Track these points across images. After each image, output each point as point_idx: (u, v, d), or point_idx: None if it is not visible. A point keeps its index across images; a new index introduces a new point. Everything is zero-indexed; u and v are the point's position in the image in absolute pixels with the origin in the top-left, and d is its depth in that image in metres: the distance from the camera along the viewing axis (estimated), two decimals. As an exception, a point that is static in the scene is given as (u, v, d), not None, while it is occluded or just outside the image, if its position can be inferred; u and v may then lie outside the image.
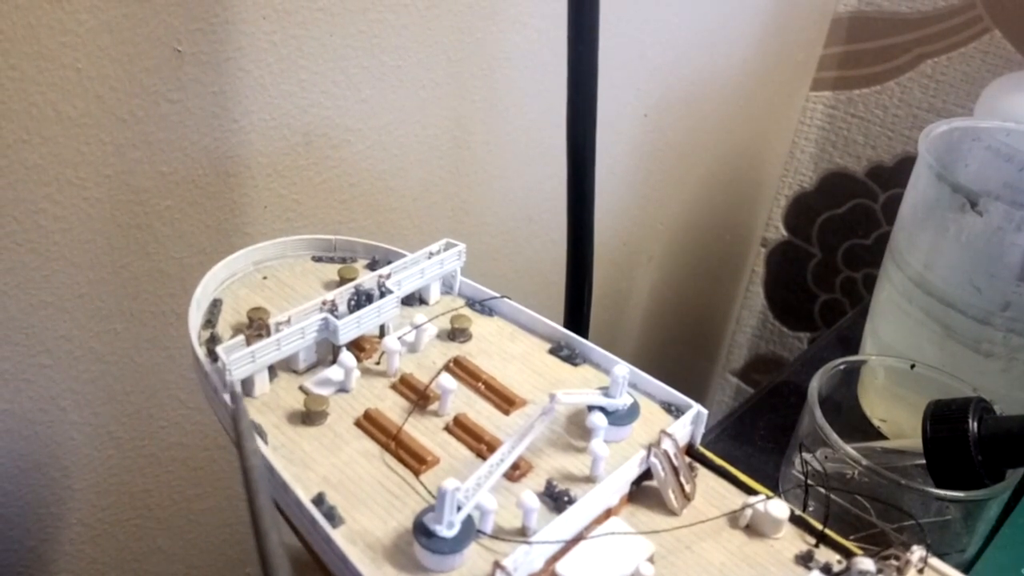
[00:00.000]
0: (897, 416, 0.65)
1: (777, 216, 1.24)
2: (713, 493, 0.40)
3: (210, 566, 0.75)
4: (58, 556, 0.64)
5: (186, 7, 0.51)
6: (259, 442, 0.38)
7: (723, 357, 1.39)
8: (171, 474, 0.68)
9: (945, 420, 0.53)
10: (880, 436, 0.66)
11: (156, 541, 0.70)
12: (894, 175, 1.10)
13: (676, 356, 1.26)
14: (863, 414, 0.67)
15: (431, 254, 0.47)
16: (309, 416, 0.40)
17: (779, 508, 0.38)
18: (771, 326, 1.31)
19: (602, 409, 0.40)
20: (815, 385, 0.57)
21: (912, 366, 0.60)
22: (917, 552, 0.34)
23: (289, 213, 0.64)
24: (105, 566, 0.67)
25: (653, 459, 0.39)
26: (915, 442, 0.55)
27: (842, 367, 0.60)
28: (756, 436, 0.72)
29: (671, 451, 0.39)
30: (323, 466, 0.38)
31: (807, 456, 0.56)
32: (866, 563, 0.33)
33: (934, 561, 0.35)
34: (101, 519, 0.65)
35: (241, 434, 0.34)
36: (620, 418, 0.40)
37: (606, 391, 0.40)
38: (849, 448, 0.53)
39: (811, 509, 0.56)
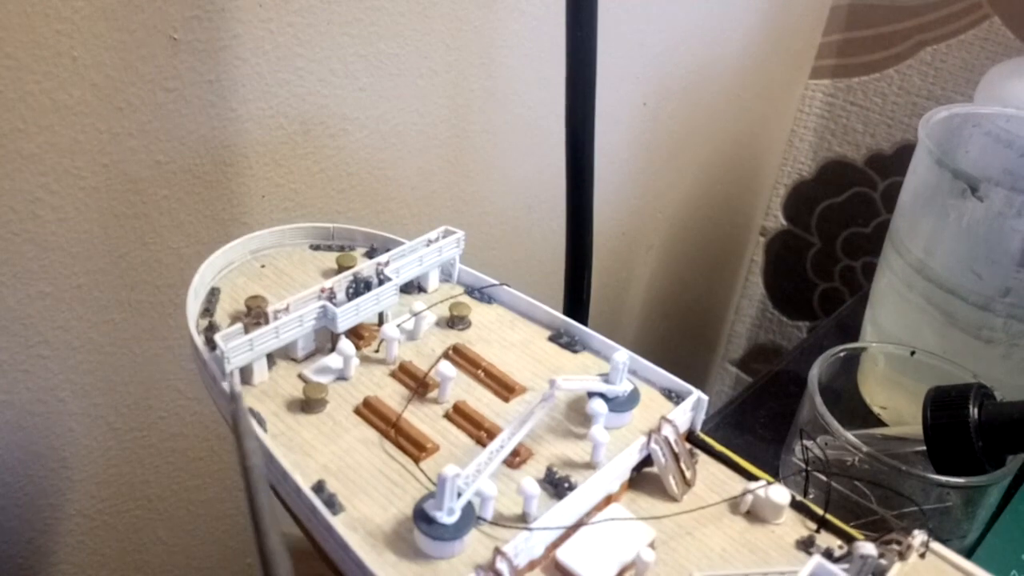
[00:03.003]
0: (897, 403, 0.65)
1: (776, 205, 1.24)
2: (714, 479, 0.40)
3: (210, 556, 0.75)
4: (58, 547, 0.64)
5: (182, -5, 0.51)
6: (258, 430, 0.37)
7: (722, 346, 1.38)
8: (171, 465, 0.67)
9: (945, 406, 0.53)
10: (880, 423, 0.65)
11: (156, 532, 0.70)
12: (893, 163, 1.10)
13: (675, 346, 1.26)
14: (863, 401, 0.67)
15: (429, 241, 0.46)
16: (308, 404, 0.40)
17: (780, 493, 0.38)
18: (770, 315, 1.31)
19: (602, 395, 0.40)
20: (815, 372, 0.57)
21: (912, 353, 0.60)
22: (919, 537, 0.34)
23: (287, 202, 0.64)
24: (105, 557, 0.67)
25: (653, 445, 0.39)
26: (915, 429, 0.55)
27: (842, 354, 0.60)
28: (756, 424, 0.72)
29: (671, 437, 0.39)
30: (323, 454, 0.38)
31: (808, 442, 0.56)
32: (868, 547, 0.33)
33: (936, 545, 0.35)
34: (101, 510, 0.65)
35: (241, 434, 0.34)
36: (620, 404, 0.40)
37: (606, 378, 0.40)
38: (849, 435, 0.53)
39: (811, 496, 0.56)
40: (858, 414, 0.66)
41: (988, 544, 0.57)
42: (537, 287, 0.89)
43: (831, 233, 1.20)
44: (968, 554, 0.56)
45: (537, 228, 0.87)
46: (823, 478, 0.51)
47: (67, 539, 0.64)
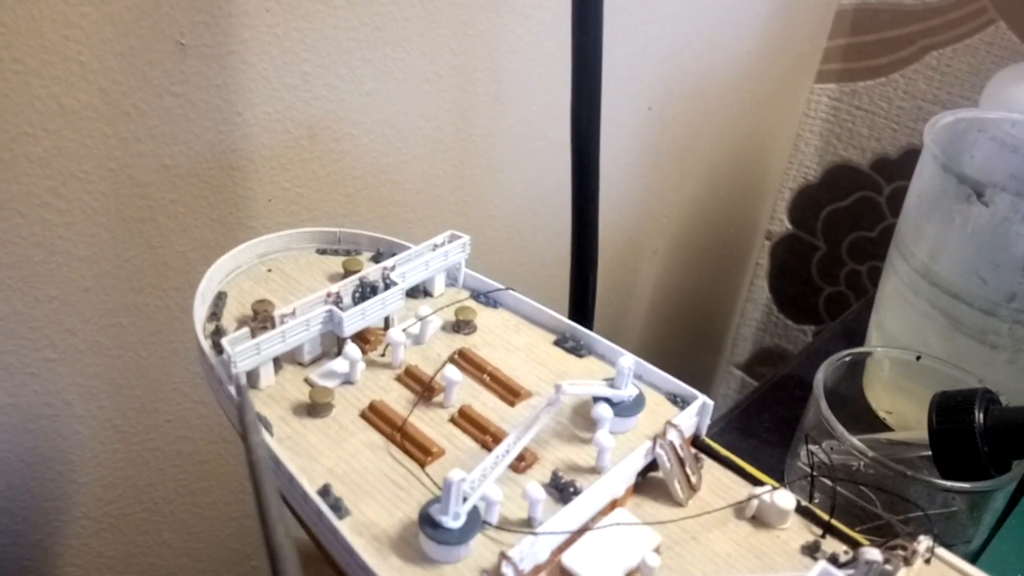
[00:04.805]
0: (903, 408, 0.65)
1: (781, 209, 1.24)
2: (719, 484, 0.40)
3: (215, 559, 0.75)
4: (64, 550, 0.64)
5: (189, 0, 0.51)
6: (264, 434, 0.38)
7: (727, 350, 1.38)
8: (177, 468, 0.68)
9: (951, 411, 0.53)
10: (885, 428, 0.65)
11: (162, 535, 0.70)
12: (899, 167, 1.10)
13: (680, 349, 1.26)
14: (868, 406, 0.67)
15: (435, 246, 0.46)
16: (314, 408, 0.40)
17: (785, 499, 0.38)
18: (775, 319, 1.31)
19: (607, 400, 0.40)
20: (821, 377, 0.57)
21: (918, 358, 0.60)
22: (924, 542, 0.34)
23: (293, 206, 0.64)
24: (111, 560, 0.67)
25: (659, 450, 0.39)
26: (921, 434, 0.55)
27: (848, 359, 0.60)
28: (761, 429, 0.71)
29: (676, 442, 0.39)
30: (329, 458, 0.38)
31: (813, 447, 0.56)
32: (873, 553, 0.33)
33: (941, 551, 0.35)
34: (107, 513, 0.65)
35: (247, 427, 0.34)
36: (626, 409, 0.40)
37: (611, 382, 0.40)
38: (855, 439, 0.53)
39: (816, 501, 0.56)
40: (864, 419, 0.66)
41: (994, 549, 0.57)
42: (542, 291, 0.89)
43: (836, 237, 1.20)
44: (973, 559, 0.56)
45: (542, 232, 0.87)
46: (828, 483, 0.51)
47: (73, 541, 0.64)
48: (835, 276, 1.22)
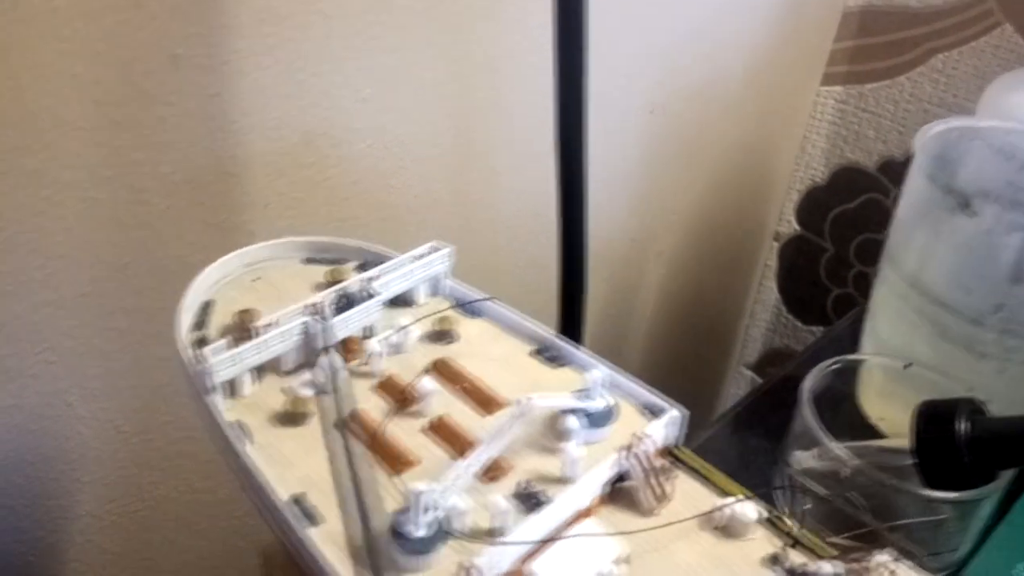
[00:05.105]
0: (895, 415, 0.65)
1: (789, 210, 1.23)
2: (691, 495, 0.40)
3: (219, 556, 0.76)
4: (68, 547, 0.65)
5: (183, 12, 0.52)
6: (245, 442, 0.39)
7: (737, 351, 1.38)
8: (179, 467, 0.69)
9: (934, 420, 0.53)
10: (879, 434, 0.65)
11: (165, 532, 0.71)
12: (905, 170, 1.09)
13: (689, 351, 1.26)
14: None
15: (417, 257, 0.47)
16: (292, 417, 0.41)
17: (749, 510, 0.38)
18: (784, 320, 1.31)
19: (580, 411, 0.40)
20: (807, 385, 0.57)
21: (906, 366, 0.60)
22: (880, 556, 0.34)
23: (290, 211, 0.65)
24: (115, 556, 0.68)
25: (627, 461, 0.39)
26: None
27: (836, 366, 0.60)
28: (756, 433, 0.72)
29: (646, 453, 0.39)
30: (304, 466, 0.39)
31: (802, 453, 0.56)
32: (828, 566, 0.34)
33: (903, 567, 0.35)
34: (109, 511, 0.66)
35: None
36: (597, 420, 0.41)
37: (586, 393, 0.41)
38: (837, 448, 0.53)
39: (808, 507, 0.56)
40: (858, 424, 0.66)
41: (981, 558, 0.57)
42: (544, 292, 0.89)
43: (844, 239, 1.19)
44: (960, 567, 0.56)
45: (544, 234, 0.87)
46: (816, 491, 0.52)
47: (77, 539, 0.65)
48: (843, 278, 1.22)
